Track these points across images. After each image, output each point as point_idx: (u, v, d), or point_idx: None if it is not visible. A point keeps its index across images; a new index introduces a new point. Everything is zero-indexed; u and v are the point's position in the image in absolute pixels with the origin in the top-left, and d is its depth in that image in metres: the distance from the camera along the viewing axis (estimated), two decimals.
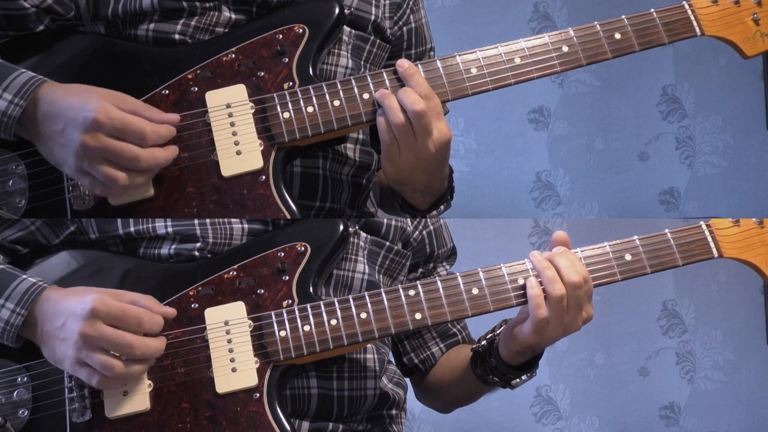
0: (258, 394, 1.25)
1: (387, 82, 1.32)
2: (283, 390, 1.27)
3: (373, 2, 1.45)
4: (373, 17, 1.45)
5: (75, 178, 1.23)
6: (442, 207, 1.43)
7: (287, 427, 1.23)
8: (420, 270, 1.53)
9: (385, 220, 1.46)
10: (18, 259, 1.33)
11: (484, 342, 1.43)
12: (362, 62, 1.44)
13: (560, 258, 1.32)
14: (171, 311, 1.26)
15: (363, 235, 1.43)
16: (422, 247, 1.52)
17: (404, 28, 1.52)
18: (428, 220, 1.54)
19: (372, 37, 1.45)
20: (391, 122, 1.29)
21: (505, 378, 1.41)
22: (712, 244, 1.38)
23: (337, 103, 1.31)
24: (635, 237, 1.36)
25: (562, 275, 1.30)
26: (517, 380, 1.41)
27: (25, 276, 1.25)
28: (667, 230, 1.38)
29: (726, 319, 3.39)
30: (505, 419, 3.24)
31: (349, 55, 1.41)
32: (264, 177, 1.28)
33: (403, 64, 1.32)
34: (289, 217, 1.27)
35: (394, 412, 1.44)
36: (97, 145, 1.18)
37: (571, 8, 3.45)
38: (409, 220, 1.50)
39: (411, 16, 1.52)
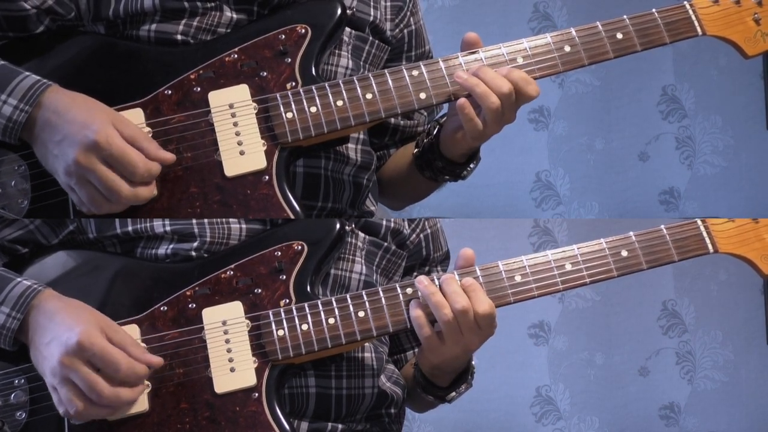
0: (257, 394, 1.25)
1: (390, 82, 1.32)
2: (281, 389, 1.27)
3: (372, 3, 1.45)
4: (371, 18, 1.45)
5: (63, 187, 1.24)
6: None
7: (286, 426, 1.23)
8: (415, 273, 1.53)
9: (384, 222, 1.46)
10: (17, 258, 1.33)
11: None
12: (362, 63, 1.44)
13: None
14: (157, 360, 1.24)
15: (361, 235, 1.42)
16: (418, 250, 1.52)
17: (405, 31, 1.52)
18: (426, 223, 1.54)
19: (371, 38, 1.45)
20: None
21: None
22: (707, 240, 1.38)
23: (340, 103, 1.30)
24: (631, 233, 1.37)
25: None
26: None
27: (20, 279, 1.25)
28: (662, 226, 1.38)
29: (726, 319, 3.39)
30: (505, 419, 3.24)
31: (349, 56, 1.41)
32: (267, 177, 1.28)
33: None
34: (292, 217, 1.27)
35: (393, 411, 1.43)
36: (88, 167, 1.19)
37: (571, 8, 3.45)
38: (406, 223, 1.50)
39: (411, 19, 1.53)
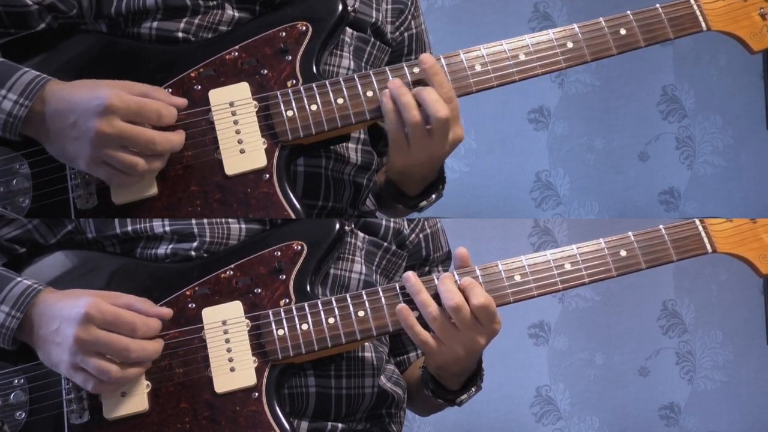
0: (257, 394, 1.24)
1: (391, 78, 1.31)
2: (281, 389, 1.27)
3: (374, 6, 1.45)
4: (373, 20, 1.45)
5: (90, 170, 1.22)
6: (433, 196, 1.42)
7: (286, 426, 1.23)
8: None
9: (383, 222, 1.45)
10: (15, 258, 1.33)
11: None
12: (363, 63, 1.44)
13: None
14: (167, 311, 1.25)
15: (360, 235, 1.42)
16: (418, 250, 1.52)
17: (405, 34, 1.52)
18: (425, 223, 1.54)
19: (372, 39, 1.45)
20: (406, 120, 1.27)
21: (446, 399, 1.41)
22: (705, 240, 1.38)
23: (340, 101, 1.30)
24: (630, 233, 1.37)
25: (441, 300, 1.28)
26: (463, 397, 1.42)
27: (20, 279, 1.25)
28: (661, 226, 1.38)
29: (726, 319, 3.39)
30: (505, 419, 3.24)
31: (350, 57, 1.41)
32: (268, 175, 1.27)
33: (427, 60, 1.30)
34: (293, 216, 1.27)
35: (393, 411, 1.43)
36: (113, 131, 1.18)
37: (571, 8, 3.45)
38: (405, 222, 1.49)
39: (412, 22, 1.53)
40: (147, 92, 1.23)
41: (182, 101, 1.26)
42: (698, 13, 1.39)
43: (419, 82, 1.31)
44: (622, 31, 1.37)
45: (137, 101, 1.20)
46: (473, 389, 1.43)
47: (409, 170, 1.34)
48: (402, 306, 1.28)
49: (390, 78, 1.31)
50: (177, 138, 1.24)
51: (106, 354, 1.18)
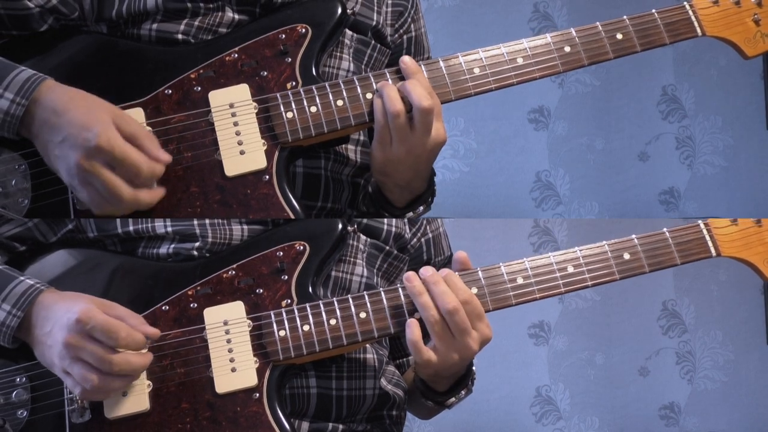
0: (257, 394, 1.25)
1: (390, 81, 1.32)
2: (282, 390, 1.27)
3: (375, 8, 1.45)
4: (374, 23, 1.45)
5: (66, 186, 1.23)
6: (420, 209, 1.43)
7: (287, 426, 1.23)
8: None
9: (385, 226, 1.45)
10: (16, 256, 1.33)
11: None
12: (363, 66, 1.44)
13: (434, 286, 1.29)
14: (154, 331, 1.24)
15: (363, 238, 1.42)
16: (419, 254, 1.52)
17: (404, 37, 1.52)
18: (427, 227, 1.54)
19: (373, 42, 1.45)
20: (388, 110, 1.28)
21: (435, 401, 1.43)
22: (710, 243, 1.38)
23: (340, 102, 1.30)
24: (633, 236, 1.37)
25: (436, 303, 1.28)
26: (451, 400, 1.44)
27: (23, 278, 1.25)
28: (665, 229, 1.38)
29: (726, 319, 3.40)
30: (505, 419, 3.24)
31: (350, 59, 1.41)
32: (267, 177, 1.27)
33: (406, 61, 1.32)
34: (293, 216, 1.27)
35: (394, 412, 1.43)
36: (91, 171, 1.18)
37: (572, 8, 3.45)
38: (407, 227, 1.49)
39: (412, 25, 1.53)
40: (137, 138, 1.21)
41: (168, 158, 1.24)
42: (693, 18, 1.40)
43: None
44: (619, 36, 1.37)
45: (122, 151, 1.18)
46: (463, 392, 1.43)
47: (389, 168, 1.34)
48: (412, 321, 1.29)
49: (389, 80, 1.32)
50: (145, 198, 1.22)
51: (91, 363, 1.18)
